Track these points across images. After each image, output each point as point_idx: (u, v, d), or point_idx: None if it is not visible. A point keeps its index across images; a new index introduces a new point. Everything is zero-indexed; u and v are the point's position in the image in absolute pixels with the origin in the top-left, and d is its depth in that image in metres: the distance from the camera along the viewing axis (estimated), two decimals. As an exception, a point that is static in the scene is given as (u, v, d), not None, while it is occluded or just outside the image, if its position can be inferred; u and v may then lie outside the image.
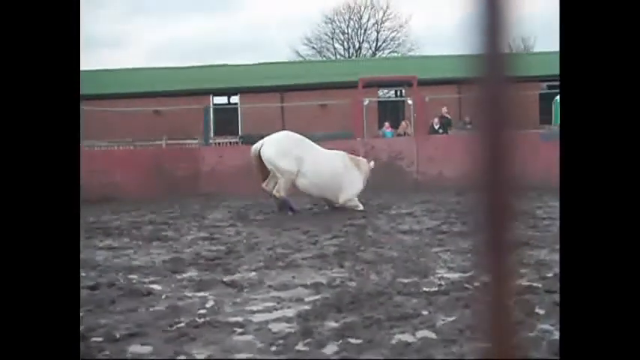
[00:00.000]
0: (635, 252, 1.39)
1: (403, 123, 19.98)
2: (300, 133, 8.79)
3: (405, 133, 18.56)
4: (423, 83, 17.30)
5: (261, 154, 8.26)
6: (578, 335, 1.35)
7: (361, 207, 8.36)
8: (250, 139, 15.94)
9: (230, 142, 20.68)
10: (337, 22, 45.39)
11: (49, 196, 1.68)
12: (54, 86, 1.71)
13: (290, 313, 3.21)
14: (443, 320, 2.97)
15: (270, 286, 3.89)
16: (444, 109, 18.72)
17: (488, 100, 0.79)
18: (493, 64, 0.78)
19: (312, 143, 8.66)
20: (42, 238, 1.67)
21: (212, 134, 17.59)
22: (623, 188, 1.43)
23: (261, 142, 8.55)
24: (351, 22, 45.58)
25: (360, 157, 9.05)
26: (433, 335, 2.69)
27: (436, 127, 17.44)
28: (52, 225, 1.67)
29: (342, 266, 4.51)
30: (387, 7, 46.48)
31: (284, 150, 8.22)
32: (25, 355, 1.59)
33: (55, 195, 1.69)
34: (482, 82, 0.80)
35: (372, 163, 8.69)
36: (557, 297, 2.99)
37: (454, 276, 4.02)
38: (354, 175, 8.46)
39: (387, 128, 20.40)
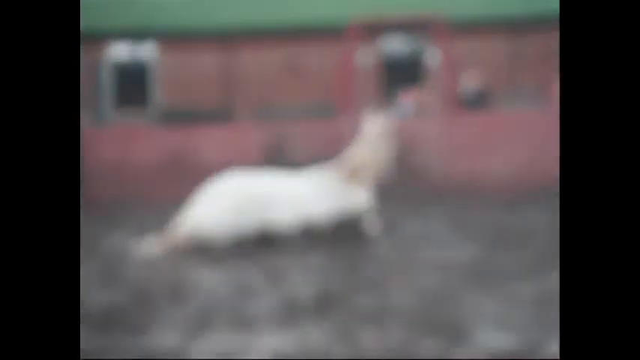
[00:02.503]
0: (635, 251, 1.57)
1: (416, 92, 13.96)
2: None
3: (420, 108, 12.93)
4: (454, 26, 12.05)
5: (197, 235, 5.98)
6: (578, 335, 1.49)
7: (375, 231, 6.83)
8: (174, 117, 11.57)
9: (142, 122, 14.83)
10: None
11: (46, 192, 1.97)
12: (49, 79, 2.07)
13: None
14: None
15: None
16: (475, 73, 12.40)
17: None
18: None
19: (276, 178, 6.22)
20: (40, 233, 1.96)
21: (111, 108, 11.83)
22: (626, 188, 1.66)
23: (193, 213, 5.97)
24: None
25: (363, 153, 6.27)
26: None
27: (468, 91, 12.07)
28: (49, 223, 1.98)
29: (323, 322, 3.61)
30: None
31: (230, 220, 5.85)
32: (24, 355, 1.88)
33: (51, 190, 1.99)
34: None
35: None
36: None
37: (505, 339, 3.13)
38: (357, 194, 6.37)
39: (404, 99, 13.79)
